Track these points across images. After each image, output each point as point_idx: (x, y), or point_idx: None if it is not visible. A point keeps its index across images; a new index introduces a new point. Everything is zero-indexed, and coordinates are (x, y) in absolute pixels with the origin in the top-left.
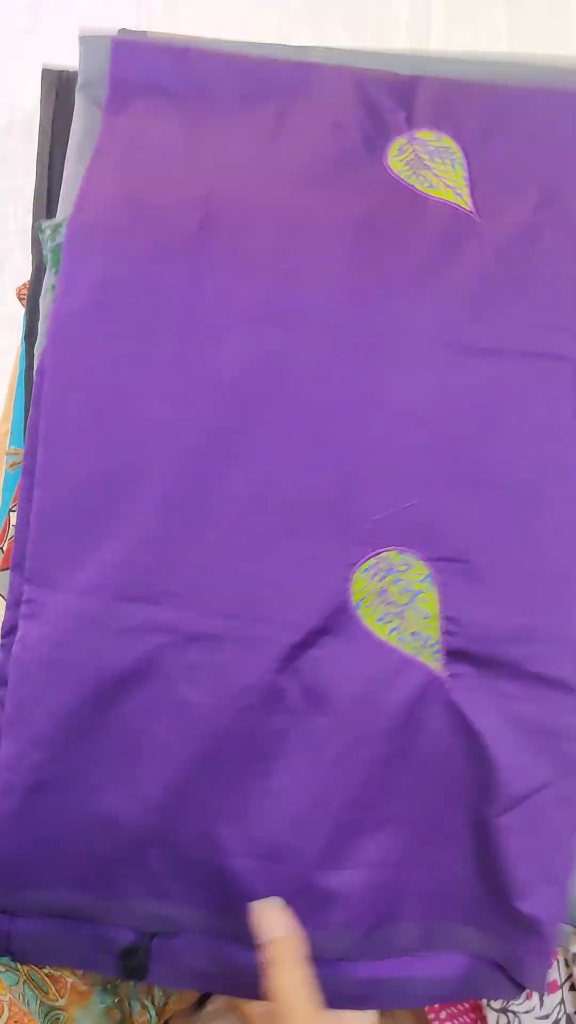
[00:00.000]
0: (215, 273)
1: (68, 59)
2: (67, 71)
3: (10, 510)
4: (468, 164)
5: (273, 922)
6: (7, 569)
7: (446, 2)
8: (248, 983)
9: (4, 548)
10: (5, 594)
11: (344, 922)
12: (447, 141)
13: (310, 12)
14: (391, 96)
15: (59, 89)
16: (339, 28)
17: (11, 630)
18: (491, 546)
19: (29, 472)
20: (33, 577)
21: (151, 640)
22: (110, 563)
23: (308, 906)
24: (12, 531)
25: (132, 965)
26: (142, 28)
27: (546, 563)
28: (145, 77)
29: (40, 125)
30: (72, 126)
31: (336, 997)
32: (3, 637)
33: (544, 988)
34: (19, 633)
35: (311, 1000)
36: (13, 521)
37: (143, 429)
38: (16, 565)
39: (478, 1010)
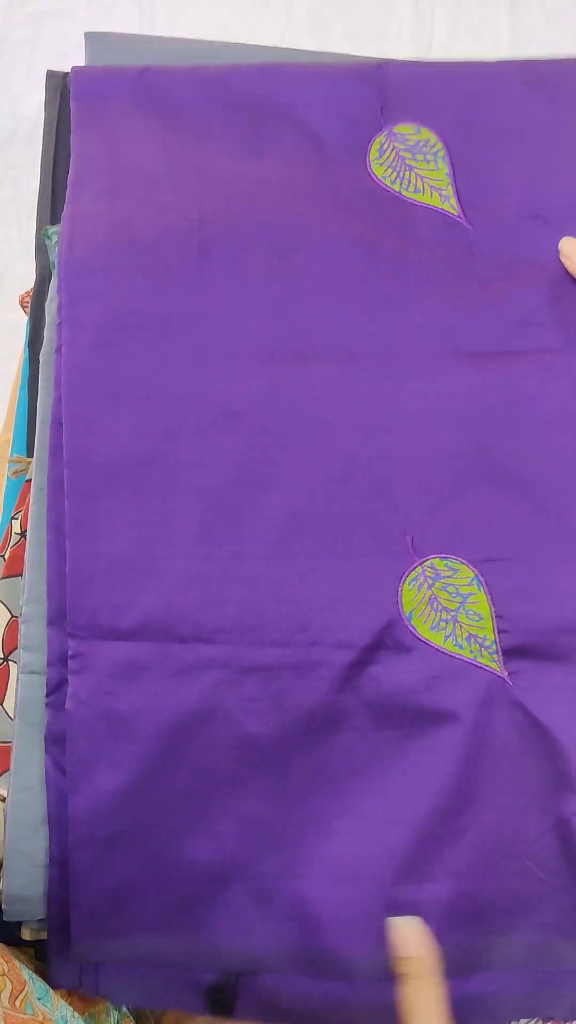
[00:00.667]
0: (219, 303)
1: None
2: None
3: (12, 517)
4: (450, 158)
5: (412, 939)
6: (8, 577)
7: (448, 10)
8: (334, 1017)
9: (5, 556)
10: (6, 601)
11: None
12: (426, 133)
13: (313, 21)
14: (362, 87)
15: (64, 92)
16: (342, 36)
17: (56, 687)
18: (531, 540)
19: (55, 527)
20: (77, 631)
21: (206, 678)
22: (155, 606)
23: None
24: (14, 539)
25: (219, 1002)
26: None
27: None
28: (109, 101)
29: (44, 128)
30: None
31: None
32: (48, 695)
33: None
34: (70, 690)
35: (446, 1020)
36: (16, 529)
37: (169, 469)
38: (53, 621)
39: None
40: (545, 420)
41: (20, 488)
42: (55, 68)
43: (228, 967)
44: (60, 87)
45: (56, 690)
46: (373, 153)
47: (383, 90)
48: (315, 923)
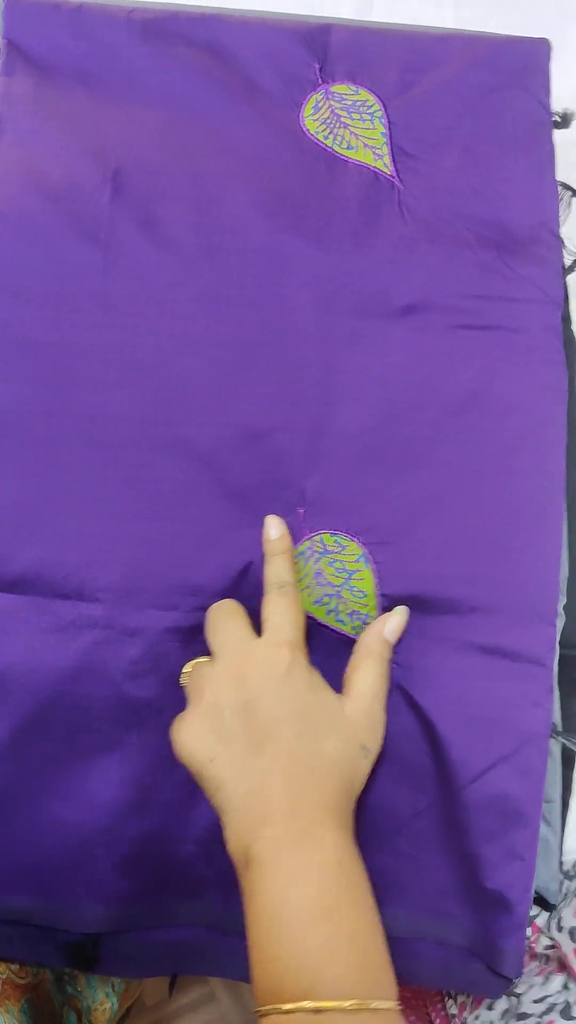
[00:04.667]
0: (130, 253)
1: None
2: None
3: None
4: (388, 119)
5: (273, 525)
6: None
7: None
8: (193, 961)
9: None
10: None
11: None
12: (364, 94)
13: None
14: (302, 46)
15: None
16: None
17: None
18: (421, 524)
19: None
20: None
21: (86, 637)
22: (40, 560)
23: None
24: None
25: (81, 957)
26: None
27: (476, 534)
28: (41, 38)
29: None
30: None
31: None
32: None
33: (520, 973)
34: None
35: (295, 578)
36: None
37: (65, 422)
38: None
39: (421, 1008)
40: (450, 402)
41: None
42: None
43: (90, 929)
44: None
45: None
46: (308, 110)
47: (324, 50)
48: (178, 882)
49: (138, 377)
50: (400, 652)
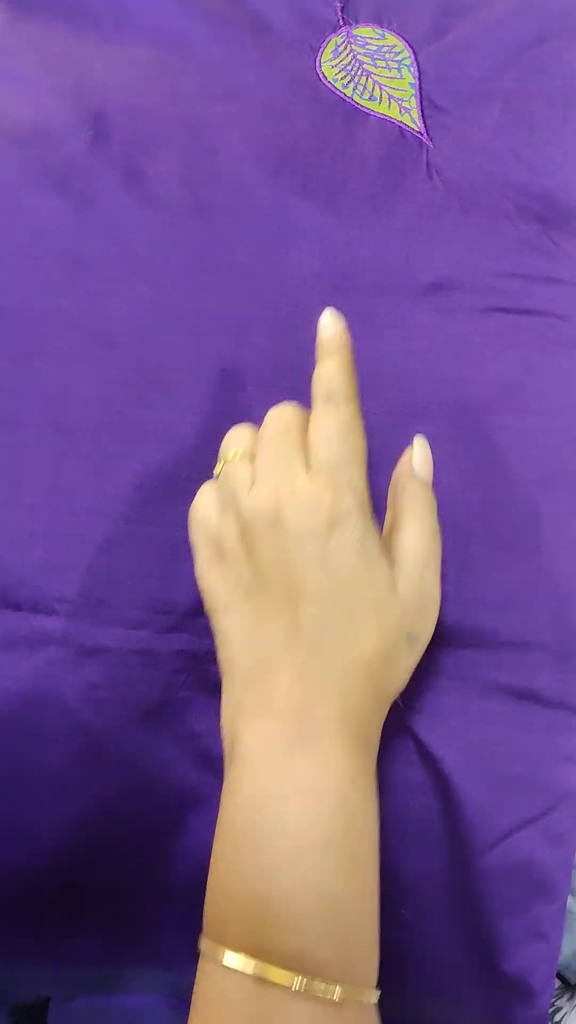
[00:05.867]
0: (108, 208)
1: None
2: None
3: None
4: (417, 68)
5: (329, 322)
6: None
7: None
8: None
9: None
10: None
11: None
12: (391, 39)
13: None
14: None
15: None
16: None
17: None
18: (442, 540)
19: None
20: None
21: (40, 656)
22: None
23: None
24: None
25: (31, 1020)
26: None
27: (508, 554)
28: None
29: None
30: None
31: None
32: None
33: None
34: None
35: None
36: None
37: (23, 400)
38: None
39: None
40: (483, 399)
41: None
42: None
43: (33, 992)
44: None
45: None
46: (326, 54)
47: None
48: (141, 946)
49: (111, 352)
50: (413, 692)
